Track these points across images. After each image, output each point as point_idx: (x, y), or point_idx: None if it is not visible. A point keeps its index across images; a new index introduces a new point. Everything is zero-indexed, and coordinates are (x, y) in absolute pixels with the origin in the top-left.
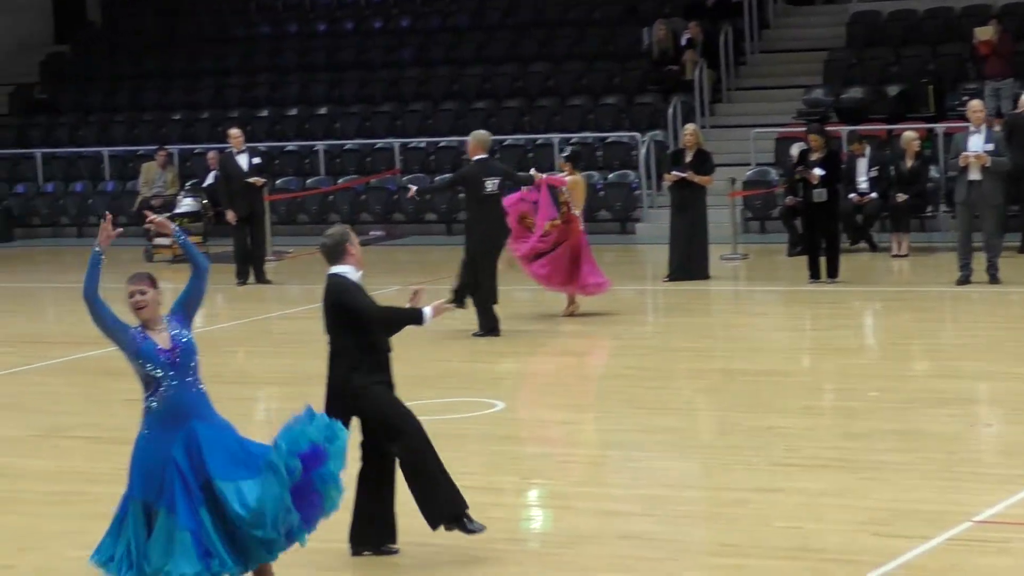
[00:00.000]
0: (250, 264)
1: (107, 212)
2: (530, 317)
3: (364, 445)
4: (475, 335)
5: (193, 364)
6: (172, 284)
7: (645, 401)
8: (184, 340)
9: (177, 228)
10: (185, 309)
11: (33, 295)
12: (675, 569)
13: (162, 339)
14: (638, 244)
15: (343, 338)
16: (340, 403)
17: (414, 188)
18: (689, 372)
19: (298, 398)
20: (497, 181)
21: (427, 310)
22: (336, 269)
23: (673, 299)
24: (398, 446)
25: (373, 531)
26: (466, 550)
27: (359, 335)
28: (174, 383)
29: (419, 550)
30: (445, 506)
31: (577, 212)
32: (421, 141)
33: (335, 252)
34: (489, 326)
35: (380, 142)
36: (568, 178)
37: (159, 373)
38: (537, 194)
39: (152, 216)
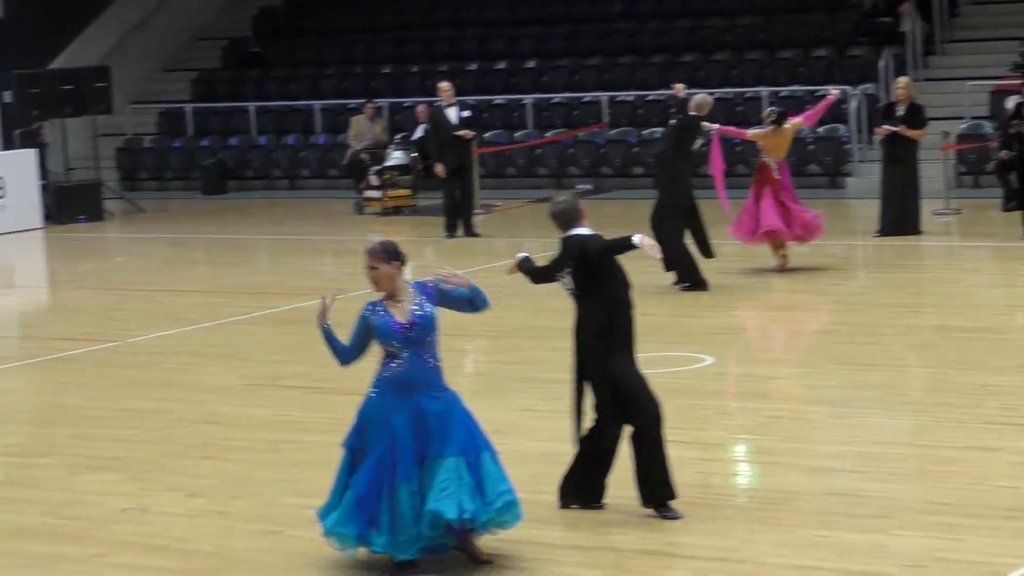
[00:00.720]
0: (459, 217)
1: (329, 295)
2: (739, 272)
3: (598, 408)
4: (682, 288)
5: (430, 339)
6: (382, 237)
7: (855, 357)
8: (423, 315)
9: (469, 280)
10: (440, 297)
11: (247, 246)
12: (885, 527)
13: (401, 312)
14: (848, 199)
15: (588, 295)
16: (583, 368)
17: (680, 87)
18: (900, 328)
19: (506, 350)
20: (702, 143)
21: (638, 236)
22: (575, 231)
23: (884, 254)
24: (633, 422)
25: (585, 487)
26: (674, 506)
27: (602, 289)
28: (409, 358)
29: (626, 504)
30: (660, 491)
31: (769, 161)
32: (629, 94)
33: (571, 216)
34: (696, 279)
35: (588, 95)
36: (751, 131)
37: (396, 348)
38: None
39: (448, 274)
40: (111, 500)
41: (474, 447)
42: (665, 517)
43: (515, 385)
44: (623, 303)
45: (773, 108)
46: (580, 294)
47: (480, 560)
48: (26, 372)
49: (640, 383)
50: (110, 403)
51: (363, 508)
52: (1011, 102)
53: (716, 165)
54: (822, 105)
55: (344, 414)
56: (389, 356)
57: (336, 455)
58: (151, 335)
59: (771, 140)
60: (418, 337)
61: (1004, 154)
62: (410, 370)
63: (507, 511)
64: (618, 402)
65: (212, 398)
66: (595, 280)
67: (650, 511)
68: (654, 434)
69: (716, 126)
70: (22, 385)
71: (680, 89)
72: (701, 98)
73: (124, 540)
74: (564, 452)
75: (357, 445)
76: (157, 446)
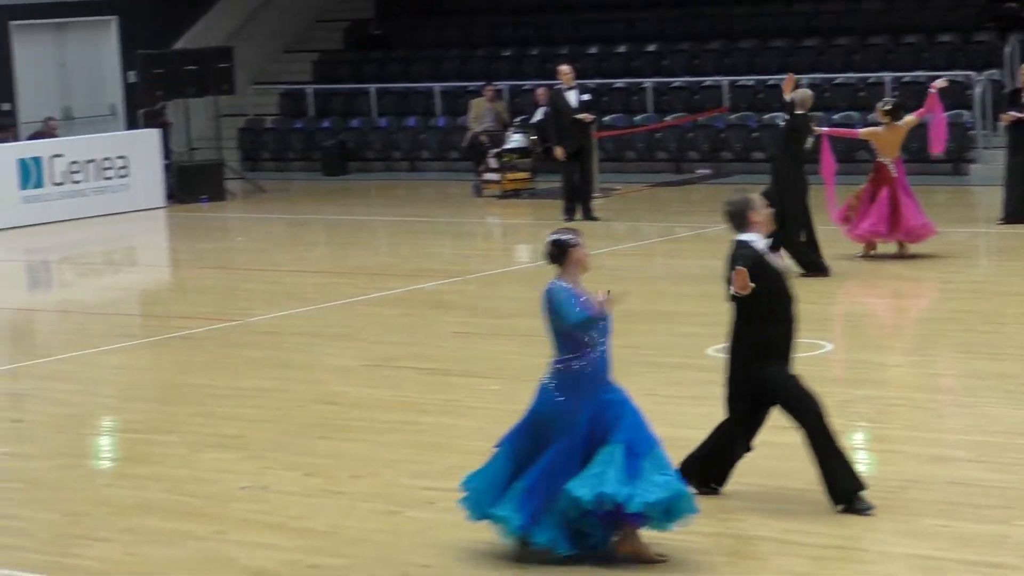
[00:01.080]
0: (578, 200)
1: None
2: (858, 259)
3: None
4: (800, 275)
5: (610, 328)
6: (500, 220)
7: (976, 346)
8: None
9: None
10: None
11: (366, 228)
12: (1006, 517)
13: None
14: (971, 185)
15: (743, 305)
16: (737, 376)
17: (792, 79)
18: (1023, 317)
19: (624, 335)
20: (812, 141)
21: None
22: (741, 236)
23: (1007, 242)
24: (802, 424)
25: (709, 472)
26: (790, 492)
27: (757, 303)
28: (602, 347)
29: (743, 490)
30: (845, 485)
31: (885, 160)
32: (750, 79)
33: (740, 219)
34: (817, 265)
35: (708, 80)
36: (863, 130)
37: (594, 337)
38: None
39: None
40: (231, 478)
41: (643, 437)
42: (857, 511)
43: (635, 369)
44: (781, 320)
45: (888, 99)
46: (737, 303)
47: (649, 560)
48: (148, 350)
49: (796, 385)
50: (230, 382)
51: (531, 500)
52: None
53: (827, 167)
54: (938, 116)
55: (461, 396)
56: (578, 349)
57: (452, 435)
58: (271, 315)
59: (884, 138)
60: (608, 327)
61: None
62: (603, 360)
63: (677, 501)
64: (785, 407)
65: (330, 378)
66: (751, 293)
67: (839, 508)
68: (822, 429)
69: (825, 128)
70: (144, 363)
71: (792, 82)
72: (801, 94)
73: (243, 518)
74: (684, 437)
75: (527, 444)
76: (276, 425)
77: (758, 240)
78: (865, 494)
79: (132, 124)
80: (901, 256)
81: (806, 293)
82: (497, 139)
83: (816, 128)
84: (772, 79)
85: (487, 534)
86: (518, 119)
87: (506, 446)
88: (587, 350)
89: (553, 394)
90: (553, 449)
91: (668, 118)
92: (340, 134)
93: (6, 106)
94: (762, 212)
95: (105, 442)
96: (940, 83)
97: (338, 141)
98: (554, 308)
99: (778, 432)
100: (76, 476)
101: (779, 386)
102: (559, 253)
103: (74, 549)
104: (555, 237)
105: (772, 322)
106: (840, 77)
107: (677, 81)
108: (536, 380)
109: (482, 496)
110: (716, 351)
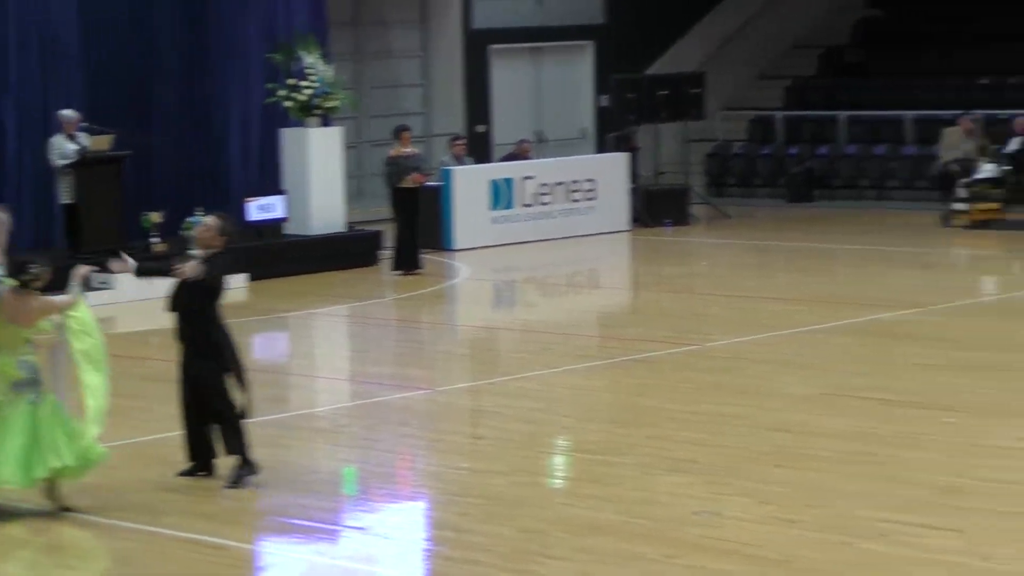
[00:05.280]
0: None
1: None
2: None
3: None
4: None
5: None
6: (967, 251)
7: None
8: None
9: None
10: None
11: (829, 256)
12: None
13: None
14: None
15: None
16: None
17: None
18: None
19: None
20: None
21: None
22: None
23: None
24: None
25: None
26: None
27: None
28: None
29: None
30: None
31: None
32: None
33: None
34: None
35: None
36: None
37: None
38: None
39: None
40: (684, 502)
41: None
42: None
43: None
44: None
45: None
46: None
47: None
48: (606, 371)
49: None
50: (686, 406)
51: None
52: None
53: None
54: None
55: (920, 428)
56: None
57: (910, 468)
58: (729, 340)
59: None
60: None
61: None
62: None
63: None
64: None
65: (787, 406)
66: None
67: None
68: None
69: None
70: (602, 384)
71: None
72: None
73: (694, 543)
74: None
75: None
76: (731, 451)
77: None
78: None
79: (602, 148)
80: None
81: None
82: (968, 168)
83: None
84: None
85: (929, 570)
86: (992, 147)
87: None
88: None
89: None
90: None
91: None
92: (807, 161)
93: (481, 128)
94: None
95: (561, 461)
96: None
97: (805, 168)
98: None
99: None
100: (533, 494)
101: None
102: None
103: (530, 566)
104: None
105: None
106: None
107: None
108: (998, 414)
109: None
110: None
